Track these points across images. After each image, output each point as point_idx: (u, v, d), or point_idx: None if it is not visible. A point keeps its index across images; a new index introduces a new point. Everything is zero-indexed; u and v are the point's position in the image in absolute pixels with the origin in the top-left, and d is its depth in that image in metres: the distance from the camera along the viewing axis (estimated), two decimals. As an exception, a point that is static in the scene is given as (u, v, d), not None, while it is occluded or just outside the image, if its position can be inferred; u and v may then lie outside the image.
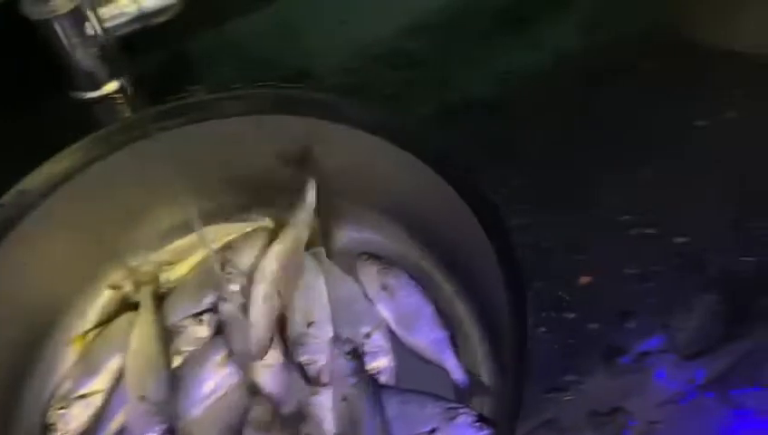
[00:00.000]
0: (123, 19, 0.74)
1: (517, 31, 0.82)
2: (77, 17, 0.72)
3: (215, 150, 0.80)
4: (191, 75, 0.80)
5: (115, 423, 0.73)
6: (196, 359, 0.77)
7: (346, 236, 0.86)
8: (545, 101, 0.73)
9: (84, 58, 0.75)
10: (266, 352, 0.74)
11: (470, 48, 0.81)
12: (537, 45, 0.79)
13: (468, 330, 0.75)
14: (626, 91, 0.72)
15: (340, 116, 0.75)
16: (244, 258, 0.84)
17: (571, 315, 0.53)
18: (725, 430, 0.46)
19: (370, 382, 0.69)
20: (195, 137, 0.78)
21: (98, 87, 0.78)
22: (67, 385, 0.75)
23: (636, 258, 0.56)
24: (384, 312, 0.78)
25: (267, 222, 0.88)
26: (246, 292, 0.78)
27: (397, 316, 0.78)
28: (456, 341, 0.74)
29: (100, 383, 0.75)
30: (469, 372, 0.72)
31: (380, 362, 0.73)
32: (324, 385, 0.71)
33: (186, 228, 0.84)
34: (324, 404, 0.70)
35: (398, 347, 0.76)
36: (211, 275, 0.81)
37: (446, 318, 0.76)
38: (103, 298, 0.83)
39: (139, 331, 0.77)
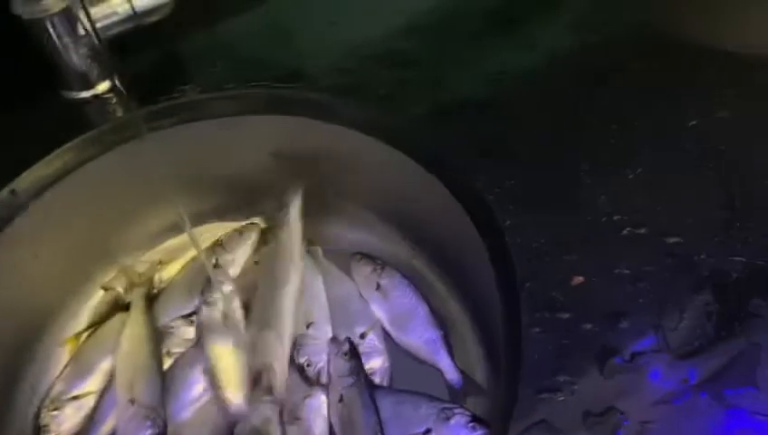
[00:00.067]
0: (115, 19, 0.73)
1: (509, 31, 0.82)
2: (69, 17, 0.71)
3: (206, 150, 0.80)
4: (183, 75, 0.80)
5: (108, 425, 0.72)
6: (187, 360, 0.76)
7: (339, 235, 0.86)
8: (537, 102, 0.73)
9: (76, 58, 0.74)
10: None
11: (462, 48, 0.81)
12: (528, 46, 0.80)
13: (462, 330, 0.75)
14: (617, 91, 0.73)
15: (333, 116, 0.75)
16: (235, 257, 0.84)
17: (565, 316, 0.53)
18: (719, 430, 0.46)
19: (367, 383, 0.69)
20: (186, 137, 0.78)
21: (90, 87, 0.78)
22: (60, 387, 0.74)
23: (628, 258, 0.57)
24: (378, 312, 0.78)
25: (258, 221, 0.88)
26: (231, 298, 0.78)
27: (390, 316, 0.78)
28: (449, 341, 0.75)
29: (92, 385, 0.75)
30: (463, 372, 0.72)
31: (375, 363, 0.73)
32: (324, 385, 0.71)
33: (177, 228, 0.84)
34: (315, 407, 0.70)
35: (392, 347, 0.76)
36: (202, 276, 0.81)
37: (439, 318, 0.77)
38: (96, 299, 0.82)
39: (130, 333, 0.77)
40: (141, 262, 0.84)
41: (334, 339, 0.75)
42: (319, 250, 0.84)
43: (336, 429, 0.69)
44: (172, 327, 0.79)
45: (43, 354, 0.77)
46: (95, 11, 0.72)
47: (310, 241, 0.85)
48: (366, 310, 0.79)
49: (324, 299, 0.79)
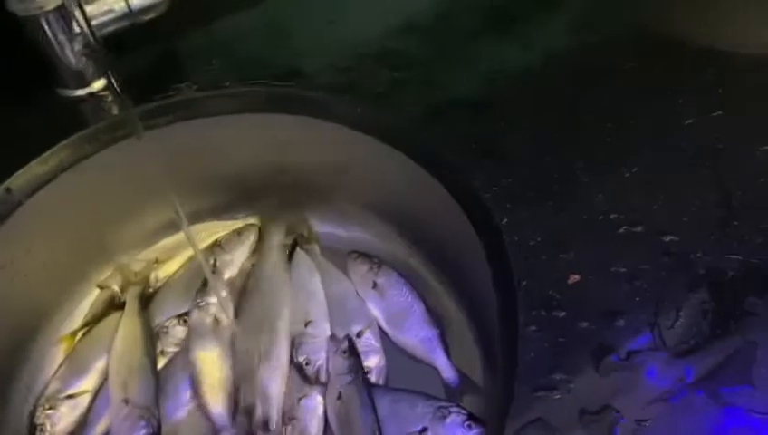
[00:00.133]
0: (111, 16, 0.73)
1: (506, 31, 0.82)
2: (64, 14, 0.71)
3: (203, 149, 0.80)
4: (179, 73, 0.80)
5: (102, 424, 0.72)
6: (181, 361, 0.76)
7: (336, 234, 0.86)
8: (534, 100, 0.73)
9: (71, 55, 0.74)
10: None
11: (460, 48, 0.81)
12: (526, 45, 0.80)
13: (458, 329, 0.75)
14: (614, 90, 0.73)
15: (330, 114, 0.75)
16: (233, 258, 0.84)
17: (561, 314, 0.53)
18: (715, 428, 0.46)
19: (365, 381, 0.69)
20: (183, 135, 0.78)
21: (85, 85, 0.78)
22: (55, 385, 0.74)
23: (624, 257, 0.57)
24: (374, 310, 0.79)
25: (255, 220, 0.88)
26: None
27: (387, 315, 0.78)
28: (446, 339, 0.75)
29: (88, 384, 0.75)
30: (459, 370, 0.72)
31: (371, 361, 0.73)
32: (323, 384, 0.71)
33: (174, 226, 0.84)
34: (310, 407, 0.70)
35: (389, 346, 0.76)
36: (198, 275, 0.81)
37: (436, 317, 0.77)
38: (91, 298, 0.82)
39: (124, 332, 0.77)
40: (137, 260, 0.84)
41: (333, 337, 0.75)
42: (316, 248, 0.84)
43: (334, 426, 0.69)
44: (167, 327, 0.79)
45: (38, 353, 0.77)
46: (91, 8, 0.72)
47: (307, 239, 0.85)
48: (362, 308, 0.79)
49: (322, 297, 0.79)
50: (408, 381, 0.72)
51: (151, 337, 0.77)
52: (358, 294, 0.80)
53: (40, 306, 0.77)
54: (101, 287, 0.83)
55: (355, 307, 0.79)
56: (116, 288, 0.82)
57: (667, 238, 0.57)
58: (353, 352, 0.71)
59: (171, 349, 0.77)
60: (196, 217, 0.85)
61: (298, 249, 0.84)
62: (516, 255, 0.57)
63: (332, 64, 0.79)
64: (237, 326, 0.76)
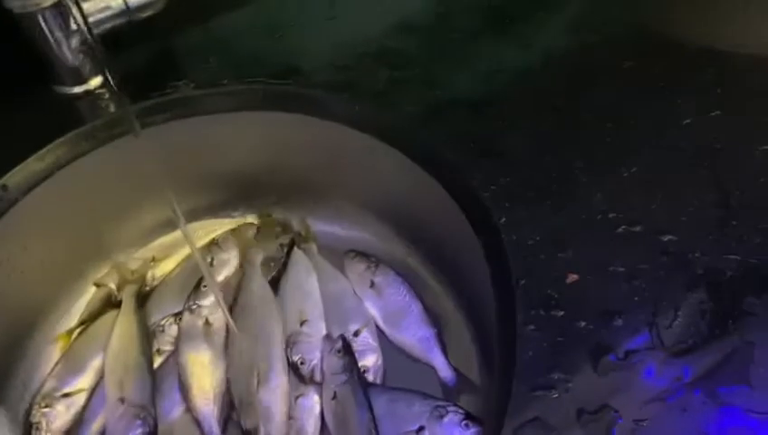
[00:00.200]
0: (108, 13, 0.73)
1: (506, 30, 0.82)
2: (61, 11, 0.71)
3: (200, 147, 0.80)
4: (177, 71, 0.80)
5: (99, 422, 0.72)
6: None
7: (333, 233, 0.86)
8: (533, 100, 0.73)
9: (68, 52, 0.74)
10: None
11: (459, 47, 0.81)
12: (525, 45, 0.80)
13: (456, 328, 0.75)
14: (613, 90, 0.73)
15: (328, 113, 0.74)
16: (230, 257, 0.84)
17: (560, 313, 0.53)
18: (712, 428, 0.46)
19: (360, 381, 0.69)
20: (180, 133, 0.78)
21: (82, 82, 0.77)
22: (51, 383, 0.74)
23: (623, 256, 0.57)
24: (371, 309, 0.78)
25: (252, 219, 0.88)
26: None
27: (384, 314, 0.78)
28: (443, 338, 0.74)
29: (84, 382, 0.74)
30: (456, 369, 0.72)
31: (368, 360, 0.73)
32: (318, 383, 0.71)
33: (171, 225, 0.84)
34: (307, 407, 0.70)
35: (386, 345, 0.76)
36: (195, 274, 0.81)
37: (433, 316, 0.76)
38: (88, 296, 0.82)
39: (120, 331, 0.77)
40: (134, 259, 0.84)
41: (328, 336, 0.74)
42: (313, 247, 0.84)
43: (330, 426, 0.68)
44: (163, 325, 0.78)
45: (34, 351, 0.76)
46: (88, 5, 0.72)
47: (304, 238, 0.85)
48: (360, 308, 0.79)
49: (318, 296, 0.79)
50: (406, 380, 0.72)
51: (147, 336, 0.77)
52: (355, 293, 0.80)
53: (36, 304, 0.77)
54: (98, 285, 0.82)
55: (352, 306, 0.79)
56: (113, 286, 0.82)
57: (666, 238, 0.57)
58: (348, 352, 0.71)
59: (167, 348, 0.77)
60: (194, 216, 0.85)
61: (295, 248, 0.84)
62: (515, 254, 0.57)
63: (331, 63, 0.79)
64: (231, 348, 0.75)
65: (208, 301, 0.78)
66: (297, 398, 0.71)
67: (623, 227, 0.59)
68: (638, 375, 0.49)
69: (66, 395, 0.73)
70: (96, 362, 0.76)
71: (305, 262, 0.82)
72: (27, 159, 0.71)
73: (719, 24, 0.81)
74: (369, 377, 0.72)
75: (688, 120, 0.67)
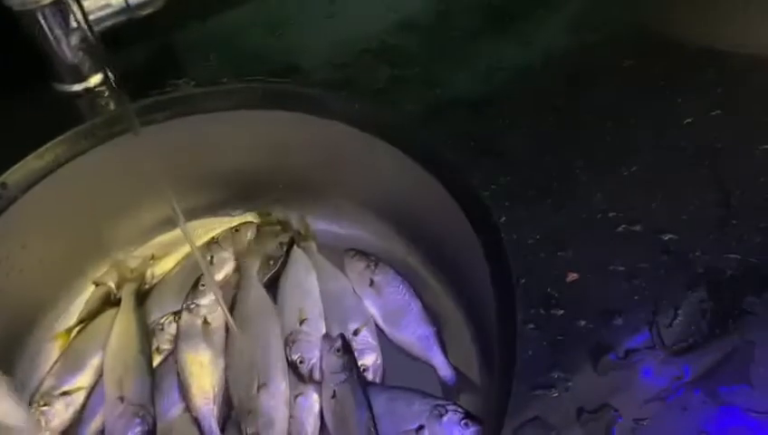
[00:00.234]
0: (108, 11, 0.73)
1: (506, 29, 0.82)
2: (61, 8, 0.71)
3: (200, 145, 0.80)
4: (177, 69, 0.79)
5: (98, 421, 0.72)
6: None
7: (333, 231, 0.86)
8: (534, 99, 0.73)
9: (68, 50, 0.74)
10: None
11: (459, 45, 0.81)
12: (526, 43, 0.80)
13: (456, 327, 0.75)
14: (613, 89, 0.73)
15: (328, 111, 0.74)
16: (230, 255, 0.84)
17: (560, 312, 0.53)
18: (712, 427, 0.46)
19: (360, 379, 0.69)
20: (180, 131, 0.77)
21: (82, 80, 0.77)
22: (50, 382, 0.74)
23: (623, 255, 0.57)
24: (371, 308, 0.78)
25: (252, 217, 0.88)
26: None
27: (384, 313, 0.78)
28: (442, 337, 0.74)
29: (83, 380, 0.74)
30: (456, 368, 0.72)
31: (368, 359, 0.73)
32: (317, 382, 0.71)
33: (170, 223, 0.84)
34: (306, 405, 0.70)
35: (386, 344, 0.76)
36: (194, 273, 0.81)
37: (432, 314, 0.76)
38: (87, 294, 0.82)
39: (119, 329, 0.77)
40: (133, 257, 0.84)
41: (327, 335, 0.74)
42: (313, 246, 0.84)
43: (329, 425, 0.68)
44: (162, 324, 0.78)
45: (33, 349, 0.76)
46: (88, 3, 0.71)
47: (304, 237, 0.85)
48: (359, 306, 0.78)
49: (318, 295, 0.79)
50: (405, 379, 0.72)
51: (147, 334, 0.77)
52: (354, 291, 0.80)
53: (35, 302, 0.77)
54: (97, 284, 0.82)
55: (352, 305, 0.79)
56: (112, 285, 0.82)
57: (666, 237, 0.57)
58: (347, 351, 0.71)
59: (167, 346, 0.77)
60: (193, 214, 0.85)
61: (295, 247, 0.84)
62: (515, 253, 0.57)
63: (330, 61, 0.79)
64: (231, 349, 0.75)
65: (207, 300, 0.78)
66: (296, 397, 0.71)
67: (623, 226, 0.59)
68: (638, 374, 0.49)
69: (65, 393, 0.73)
70: (95, 361, 0.76)
71: (305, 261, 0.82)
72: (27, 156, 0.71)
73: (719, 24, 0.81)
74: (369, 376, 0.72)
75: (689, 120, 0.67)
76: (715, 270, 0.55)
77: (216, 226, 0.87)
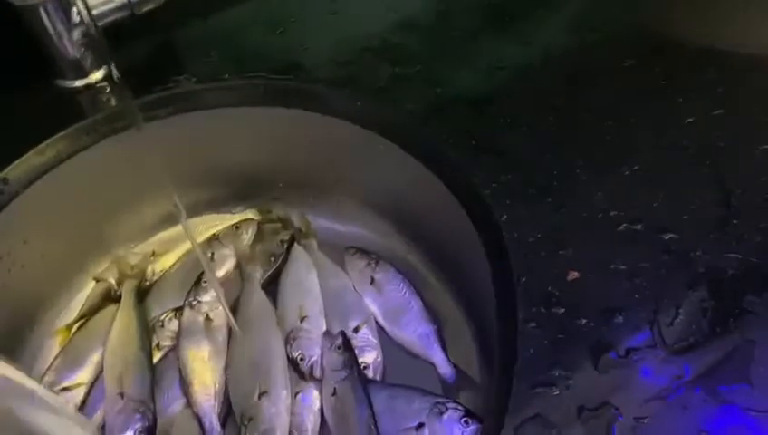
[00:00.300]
0: (110, 6, 0.73)
1: (507, 28, 0.82)
2: (62, 4, 0.71)
3: (202, 141, 0.80)
4: (179, 65, 0.79)
5: (98, 417, 0.72)
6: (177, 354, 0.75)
7: (334, 229, 0.86)
8: (534, 98, 0.73)
9: (70, 46, 0.74)
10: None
11: (460, 44, 0.81)
12: (527, 43, 0.80)
13: (456, 325, 0.75)
14: (614, 88, 0.73)
15: (330, 108, 0.74)
16: (230, 251, 0.84)
17: (561, 310, 0.53)
18: (713, 426, 0.46)
19: (360, 377, 0.69)
20: (181, 127, 0.77)
21: (83, 75, 0.77)
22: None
23: (624, 254, 0.57)
24: (372, 306, 0.78)
25: (253, 214, 0.88)
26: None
27: (384, 310, 0.78)
28: (443, 335, 0.74)
29: (83, 376, 0.74)
30: (456, 366, 0.72)
31: (368, 357, 0.73)
32: (317, 380, 0.71)
33: (171, 219, 0.84)
34: (307, 402, 0.70)
35: (386, 341, 0.76)
36: (195, 269, 0.81)
37: (433, 313, 0.76)
38: (87, 290, 0.82)
39: (120, 326, 0.77)
40: (134, 253, 0.84)
41: (327, 333, 0.74)
42: (313, 243, 0.84)
43: (329, 422, 0.68)
44: (162, 320, 0.78)
45: (33, 345, 0.76)
46: (91, -2, 0.71)
47: (304, 234, 0.85)
48: (360, 304, 0.78)
49: (318, 293, 0.79)
50: (405, 376, 0.72)
51: (147, 331, 0.77)
52: (355, 289, 0.80)
53: (37, 298, 0.77)
54: (98, 280, 0.82)
55: (352, 302, 0.79)
56: (112, 281, 0.82)
57: (667, 236, 0.58)
58: (347, 348, 0.71)
59: (167, 343, 0.77)
60: (194, 211, 0.85)
61: (295, 244, 0.84)
62: (516, 251, 0.57)
63: (332, 58, 0.79)
64: (232, 349, 0.75)
65: (209, 296, 0.78)
66: (297, 394, 0.71)
67: (624, 225, 0.59)
68: (639, 373, 0.50)
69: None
70: (95, 357, 0.76)
71: (305, 258, 0.82)
72: (28, 152, 0.71)
73: (720, 24, 0.81)
74: (369, 373, 0.72)
75: (690, 119, 0.67)
76: (715, 269, 0.55)
77: (217, 223, 0.87)
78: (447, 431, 0.63)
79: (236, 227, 0.85)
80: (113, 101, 0.76)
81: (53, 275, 0.78)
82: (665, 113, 0.69)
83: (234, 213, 0.88)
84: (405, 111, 0.72)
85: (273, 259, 0.83)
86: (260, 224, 0.87)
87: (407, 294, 0.78)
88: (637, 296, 0.54)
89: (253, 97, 0.77)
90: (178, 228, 0.84)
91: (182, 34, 0.85)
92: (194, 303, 0.77)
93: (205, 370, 0.72)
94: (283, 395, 0.70)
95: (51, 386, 0.73)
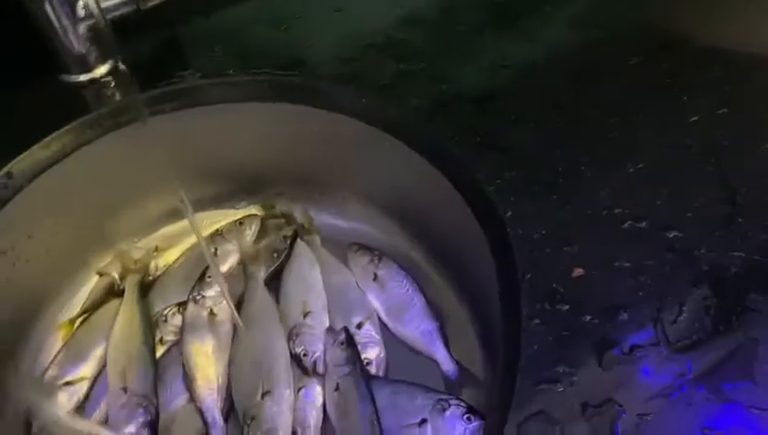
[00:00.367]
0: (116, 1, 0.73)
1: (512, 25, 0.82)
2: (68, -2, 0.71)
3: (206, 137, 0.80)
4: (183, 60, 0.80)
5: (101, 411, 0.72)
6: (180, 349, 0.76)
7: (337, 225, 0.86)
8: (539, 95, 0.73)
9: (75, 40, 0.74)
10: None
11: (465, 41, 0.81)
12: (531, 39, 0.80)
13: (459, 322, 0.75)
14: (619, 86, 0.73)
15: (334, 104, 0.74)
16: (234, 246, 0.84)
17: (565, 307, 0.53)
18: (716, 423, 0.46)
19: (363, 373, 0.69)
20: (186, 122, 0.78)
21: (88, 70, 0.77)
22: (53, 372, 0.74)
23: (628, 252, 0.57)
24: (374, 302, 0.78)
25: (256, 210, 0.88)
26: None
27: (387, 307, 0.78)
28: (445, 332, 0.75)
29: (86, 371, 0.75)
30: (459, 363, 0.72)
31: (371, 353, 0.73)
32: (321, 375, 0.71)
33: (175, 214, 0.84)
34: (310, 398, 0.70)
35: (389, 338, 0.76)
36: (198, 264, 0.81)
37: (436, 309, 0.77)
38: (91, 284, 0.82)
39: (123, 320, 0.77)
40: (137, 248, 0.84)
41: (330, 329, 0.75)
42: (317, 239, 0.84)
43: (332, 418, 0.69)
44: (166, 315, 0.78)
45: (36, 339, 0.77)
46: (97, -8, 0.71)
47: (308, 230, 0.85)
48: (363, 300, 0.79)
49: (321, 289, 0.79)
50: (408, 373, 0.72)
51: (150, 325, 0.77)
52: (358, 285, 0.80)
53: (39, 292, 0.77)
54: (101, 274, 0.82)
55: (355, 299, 0.79)
56: (115, 275, 0.82)
57: (671, 234, 0.58)
58: (350, 344, 0.71)
59: (170, 337, 0.77)
60: (198, 206, 0.85)
61: (299, 240, 0.84)
62: (520, 248, 0.57)
63: (337, 55, 0.79)
64: (235, 346, 0.75)
65: (213, 291, 0.78)
66: (299, 390, 0.71)
67: (629, 222, 0.59)
68: (642, 370, 0.50)
69: (68, 384, 0.73)
70: (98, 351, 0.76)
71: (308, 254, 0.82)
72: (32, 146, 0.71)
73: (725, 22, 0.81)
74: (372, 370, 0.72)
75: (694, 118, 0.67)
76: (719, 267, 0.55)
77: (221, 218, 0.87)
78: (450, 428, 0.63)
79: (240, 222, 0.86)
80: (118, 96, 0.76)
81: (57, 269, 0.78)
82: (670, 111, 0.69)
83: (237, 208, 0.88)
84: (409, 107, 0.72)
85: (276, 255, 0.83)
86: (263, 220, 0.87)
87: (410, 290, 0.78)
88: (641, 294, 0.54)
89: (257, 93, 0.77)
90: (182, 223, 0.84)
91: (187, 30, 0.85)
92: (198, 297, 0.77)
93: (208, 365, 0.72)
94: (285, 394, 0.70)
95: (54, 380, 0.73)
